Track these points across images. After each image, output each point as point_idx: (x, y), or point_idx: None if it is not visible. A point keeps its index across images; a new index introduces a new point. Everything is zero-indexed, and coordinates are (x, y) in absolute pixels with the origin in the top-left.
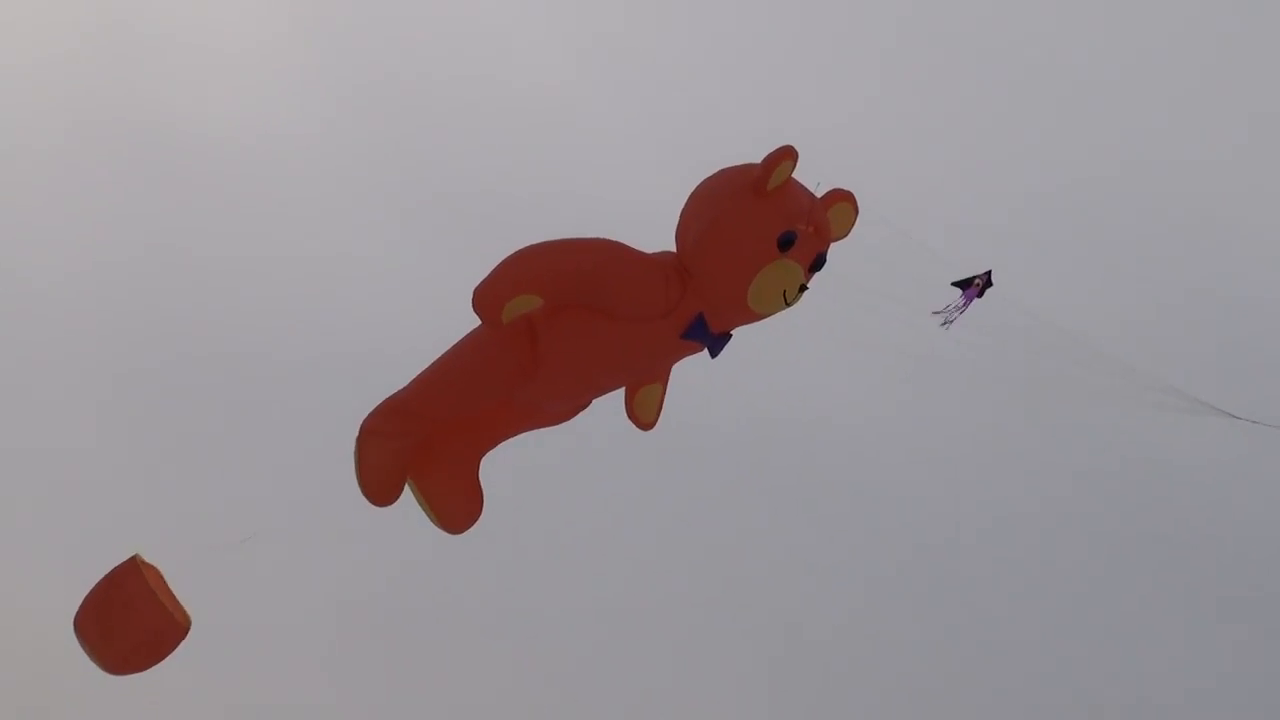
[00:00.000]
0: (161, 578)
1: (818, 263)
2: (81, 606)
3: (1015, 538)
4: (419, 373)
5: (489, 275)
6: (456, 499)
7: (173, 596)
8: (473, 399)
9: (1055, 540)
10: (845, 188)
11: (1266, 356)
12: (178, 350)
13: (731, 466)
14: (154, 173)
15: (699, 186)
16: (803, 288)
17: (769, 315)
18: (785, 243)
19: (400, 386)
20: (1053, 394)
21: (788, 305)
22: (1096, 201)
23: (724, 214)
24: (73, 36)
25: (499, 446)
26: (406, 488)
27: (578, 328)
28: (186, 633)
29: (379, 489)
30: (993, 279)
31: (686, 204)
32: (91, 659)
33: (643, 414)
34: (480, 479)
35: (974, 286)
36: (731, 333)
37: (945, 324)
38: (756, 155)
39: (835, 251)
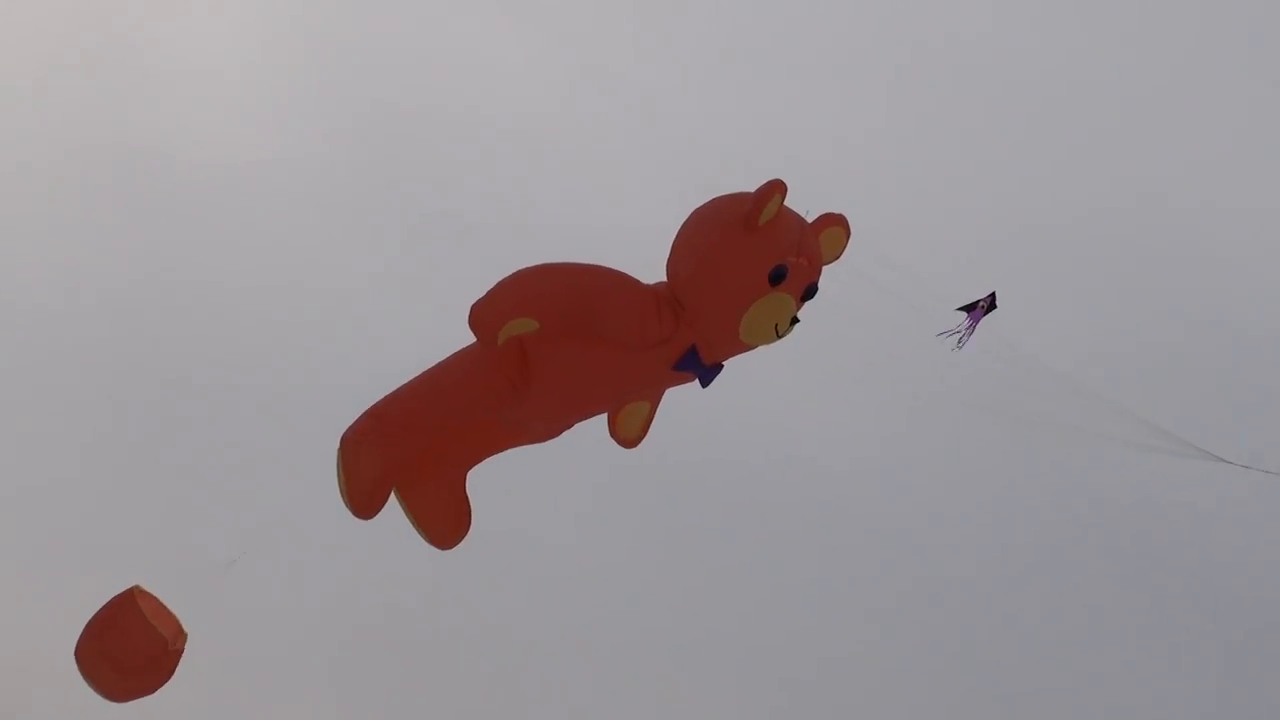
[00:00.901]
0: (159, 604)
1: (809, 292)
2: (81, 637)
3: (1006, 572)
4: (404, 382)
5: (487, 295)
6: (444, 515)
7: (171, 619)
8: (458, 414)
9: (1043, 576)
10: (836, 211)
11: (1258, 397)
12: (168, 375)
13: (721, 494)
14: (145, 198)
15: (690, 218)
16: (794, 320)
17: (760, 346)
18: (777, 276)
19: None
20: (1042, 433)
21: (779, 337)
22: (1091, 238)
23: (716, 249)
24: (65, 62)
25: (488, 462)
26: (396, 505)
27: (570, 352)
28: (179, 657)
29: (362, 500)
30: (996, 301)
31: (678, 236)
32: (92, 687)
33: (625, 430)
34: (469, 496)
35: (979, 309)
36: (723, 363)
37: (956, 347)
38: (747, 179)
39: (825, 284)
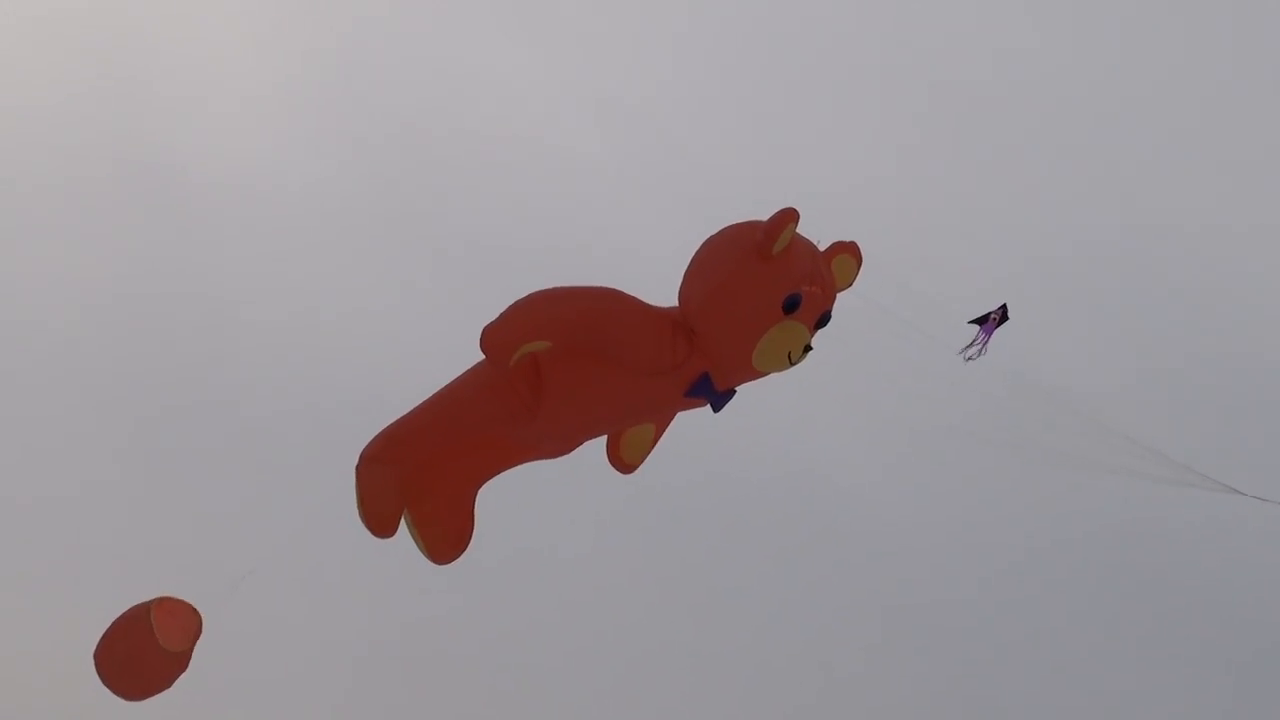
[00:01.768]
0: (179, 605)
1: (822, 320)
2: (99, 643)
3: (1008, 595)
4: (420, 402)
5: (500, 318)
6: (447, 531)
7: (192, 617)
8: (472, 433)
9: (1047, 601)
10: (848, 240)
11: (1259, 425)
12: (181, 389)
13: (728, 516)
14: (160, 213)
15: (703, 246)
16: (807, 348)
17: (773, 373)
18: (791, 305)
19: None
20: (1048, 460)
21: (792, 365)
22: (1100, 268)
23: (730, 278)
24: (81, 81)
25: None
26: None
27: (583, 375)
28: (186, 664)
29: (379, 519)
30: (1008, 313)
31: (691, 264)
32: (108, 687)
33: (627, 455)
34: (475, 513)
35: (991, 321)
36: (735, 389)
37: (970, 358)
38: (759, 204)
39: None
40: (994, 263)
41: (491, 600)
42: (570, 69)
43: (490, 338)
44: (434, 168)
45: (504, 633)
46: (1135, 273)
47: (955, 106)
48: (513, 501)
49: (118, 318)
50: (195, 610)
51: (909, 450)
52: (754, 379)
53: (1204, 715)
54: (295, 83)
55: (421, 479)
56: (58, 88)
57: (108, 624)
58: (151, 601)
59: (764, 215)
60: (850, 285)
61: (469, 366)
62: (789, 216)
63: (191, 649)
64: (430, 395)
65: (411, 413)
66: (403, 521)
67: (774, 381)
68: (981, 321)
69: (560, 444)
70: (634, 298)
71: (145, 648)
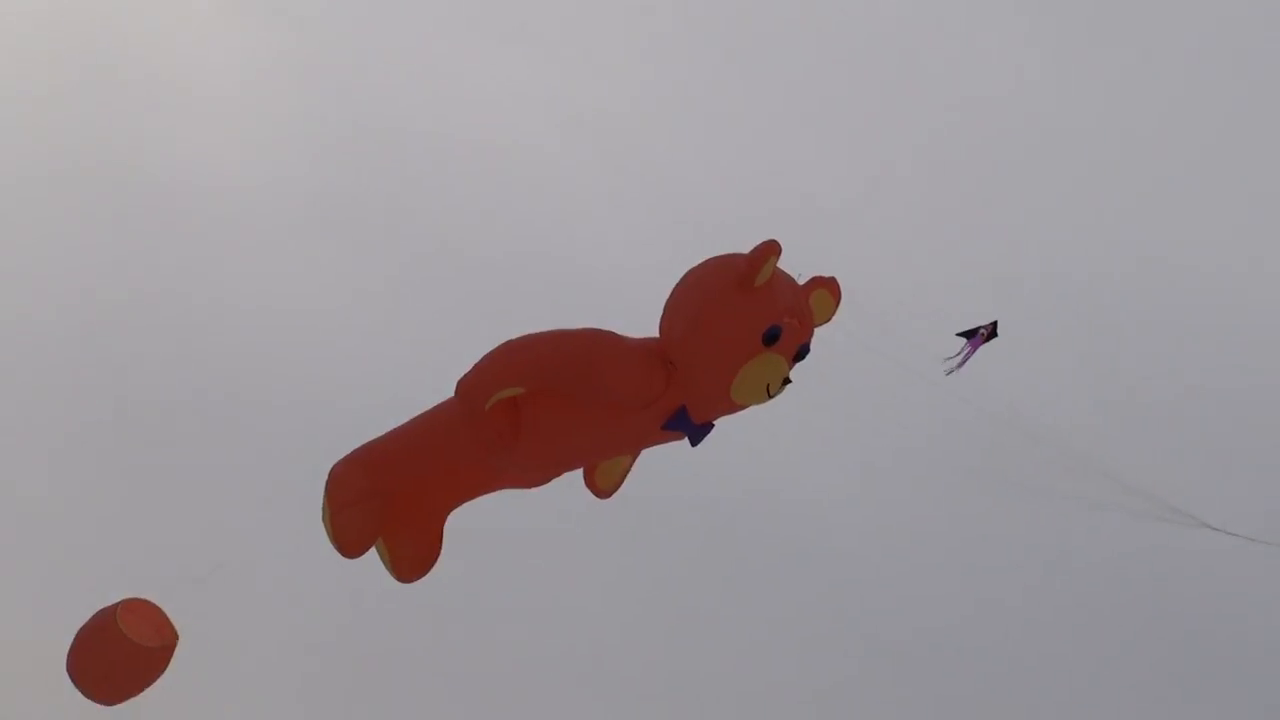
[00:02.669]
0: (149, 608)
1: (801, 353)
2: (70, 650)
3: (984, 625)
4: (394, 428)
5: (475, 369)
6: (415, 550)
7: (164, 622)
8: (445, 462)
9: (1027, 636)
10: (827, 275)
11: (1244, 462)
12: (153, 389)
13: (702, 545)
14: (131, 217)
15: (684, 278)
16: (786, 380)
17: (751, 406)
18: (770, 337)
19: (369, 436)
20: (1019, 492)
21: (770, 398)
22: (1074, 301)
23: (710, 310)
24: (54, 84)
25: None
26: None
27: (559, 411)
28: (169, 655)
29: (349, 545)
30: (997, 330)
31: (672, 296)
32: (83, 694)
33: (603, 481)
34: (444, 533)
35: (979, 336)
36: (713, 423)
37: (949, 372)
38: (738, 224)
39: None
40: (972, 293)
41: (463, 607)
42: (545, 75)
43: (466, 389)
44: (404, 171)
45: (474, 642)
46: (1117, 306)
47: (939, 134)
48: (486, 512)
49: (86, 316)
50: (159, 609)
51: (887, 482)
52: (732, 412)
53: None
54: (264, 84)
55: (392, 505)
56: (23, 87)
57: (77, 626)
58: (116, 604)
59: (739, 228)
60: (829, 320)
61: (440, 368)
62: (771, 249)
63: (167, 645)
64: (405, 421)
65: (383, 438)
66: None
67: (753, 411)
68: (969, 335)
69: (535, 477)
70: (609, 334)
71: (117, 648)
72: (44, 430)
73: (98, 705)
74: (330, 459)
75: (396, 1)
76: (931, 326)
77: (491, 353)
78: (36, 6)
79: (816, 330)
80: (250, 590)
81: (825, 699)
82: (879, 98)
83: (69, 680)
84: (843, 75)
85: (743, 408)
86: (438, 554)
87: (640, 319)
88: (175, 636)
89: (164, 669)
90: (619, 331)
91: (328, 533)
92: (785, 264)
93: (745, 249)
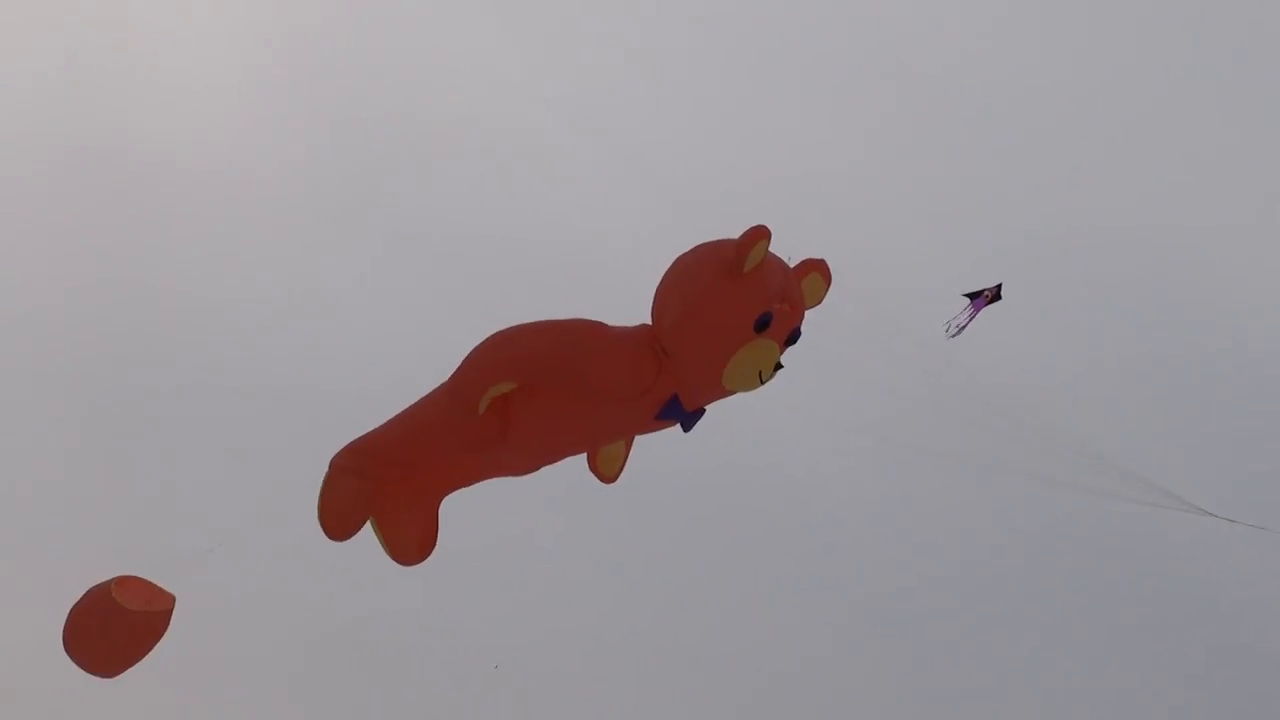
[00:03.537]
0: (141, 584)
1: (792, 337)
2: (66, 626)
3: (971, 601)
4: (391, 417)
5: (464, 366)
6: (412, 535)
7: (153, 594)
8: (440, 451)
9: (1012, 615)
10: (817, 257)
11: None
12: (150, 374)
13: (694, 519)
14: (127, 200)
15: (674, 265)
16: (778, 365)
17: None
18: (762, 324)
19: (369, 424)
20: (1018, 477)
21: (762, 384)
22: (1080, 274)
23: (701, 297)
24: (52, 69)
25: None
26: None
27: (551, 401)
28: (166, 623)
29: (338, 525)
30: (1001, 293)
31: (662, 283)
32: (81, 668)
33: (606, 468)
34: (439, 517)
35: (983, 297)
36: (705, 408)
37: (953, 334)
38: (729, 202)
39: (806, 323)
40: (968, 272)
41: (458, 590)
42: (542, 61)
43: (456, 389)
44: (402, 154)
45: (473, 622)
46: (1115, 290)
47: (927, 102)
48: (485, 495)
49: (83, 301)
50: (151, 582)
51: (883, 463)
52: (723, 397)
53: None
54: (264, 69)
55: (387, 491)
56: (21, 70)
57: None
58: (109, 580)
59: (730, 210)
60: (819, 303)
61: (433, 351)
62: (760, 234)
63: (164, 610)
64: (401, 411)
65: (382, 428)
66: (368, 523)
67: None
68: (974, 297)
69: (527, 465)
70: (599, 326)
71: (111, 616)
72: (37, 416)
73: (97, 678)
74: (327, 441)
75: None
76: (924, 310)
77: (480, 348)
78: None
79: (807, 313)
80: (246, 574)
81: (814, 666)
82: (868, 80)
83: (67, 656)
84: (832, 59)
85: (734, 393)
86: (434, 538)
87: (633, 302)
88: (171, 600)
89: (163, 633)
90: (611, 320)
91: (320, 515)
92: (776, 247)
93: (736, 232)
